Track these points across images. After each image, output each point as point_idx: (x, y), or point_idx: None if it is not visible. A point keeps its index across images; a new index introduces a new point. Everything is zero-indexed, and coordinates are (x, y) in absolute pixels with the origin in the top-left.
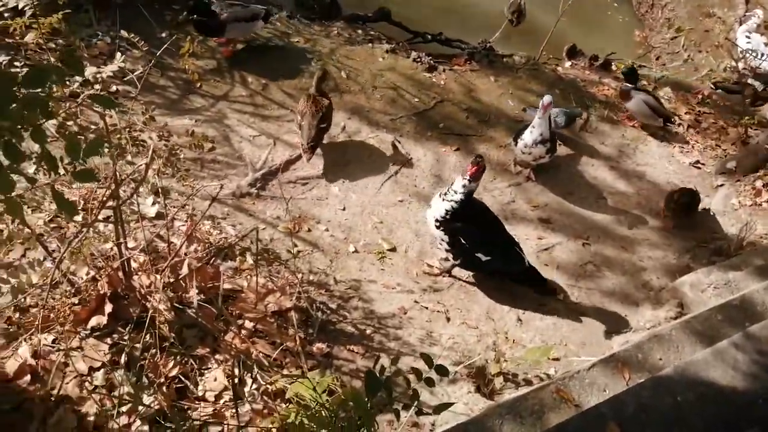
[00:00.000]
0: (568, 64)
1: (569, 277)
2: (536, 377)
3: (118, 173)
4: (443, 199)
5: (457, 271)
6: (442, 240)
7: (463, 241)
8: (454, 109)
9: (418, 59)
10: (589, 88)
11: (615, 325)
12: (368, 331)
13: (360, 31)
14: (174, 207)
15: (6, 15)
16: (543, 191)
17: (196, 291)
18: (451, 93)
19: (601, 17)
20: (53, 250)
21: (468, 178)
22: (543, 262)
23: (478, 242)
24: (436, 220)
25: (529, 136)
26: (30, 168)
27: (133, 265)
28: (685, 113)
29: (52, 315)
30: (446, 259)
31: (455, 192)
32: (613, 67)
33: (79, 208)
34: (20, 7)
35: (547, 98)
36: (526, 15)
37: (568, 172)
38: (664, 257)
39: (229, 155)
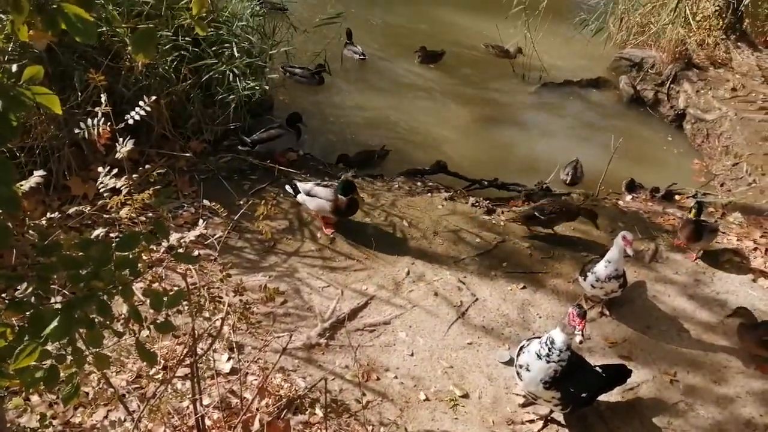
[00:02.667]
0: (628, 197)
1: (661, 418)
2: None
3: (195, 330)
4: (547, 361)
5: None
6: (553, 397)
7: (572, 391)
8: (517, 247)
9: (477, 203)
10: (654, 219)
11: None
12: None
13: (419, 183)
14: (247, 361)
15: (105, 195)
16: (619, 326)
17: None
18: (512, 232)
19: (656, 152)
20: (133, 411)
21: (578, 331)
22: (629, 404)
23: (585, 385)
24: (545, 383)
25: (603, 271)
26: (117, 326)
27: (207, 422)
28: (761, 236)
29: None
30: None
31: (559, 351)
32: (676, 198)
33: (159, 366)
34: (118, 186)
35: (628, 234)
36: (583, 175)
37: (643, 304)
38: (764, 389)
39: (300, 307)
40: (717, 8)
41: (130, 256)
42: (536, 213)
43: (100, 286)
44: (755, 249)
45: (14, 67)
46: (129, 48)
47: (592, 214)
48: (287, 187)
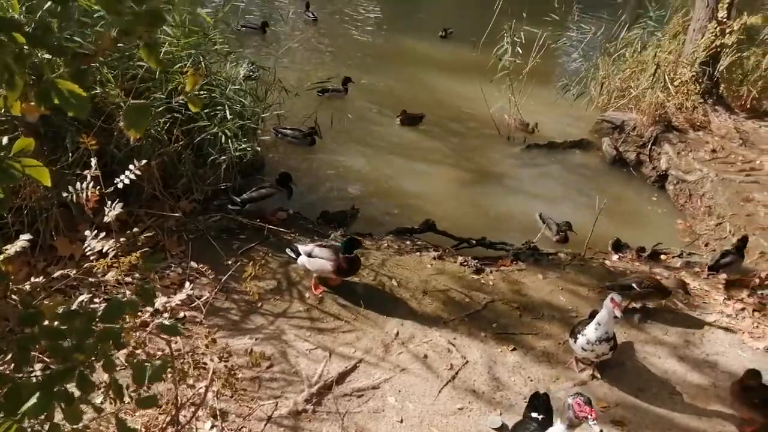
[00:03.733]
0: (615, 257)
1: None
2: None
3: (179, 398)
4: None
5: None
6: None
7: None
8: (506, 308)
9: (465, 263)
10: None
11: None
12: None
13: (408, 242)
14: (231, 430)
15: (92, 258)
16: (611, 389)
17: None
18: (501, 292)
19: (640, 212)
20: None
21: (593, 422)
22: None
23: None
24: None
25: (593, 333)
26: (98, 398)
27: None
28: (748, 296)
29: None
30: None
31: None
32: (662, 257)
33: None
34: (105, 250)
35: (616, 297)
36: (569, 233)
37: (634, 366)
38: None
39: (286, 371)
40: (694, 74)
41: (115, 327)
42: (634, 284)
43: (82, 358)
44: (743, 309)
45: (5, 140)
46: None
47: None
48: (288, 250)
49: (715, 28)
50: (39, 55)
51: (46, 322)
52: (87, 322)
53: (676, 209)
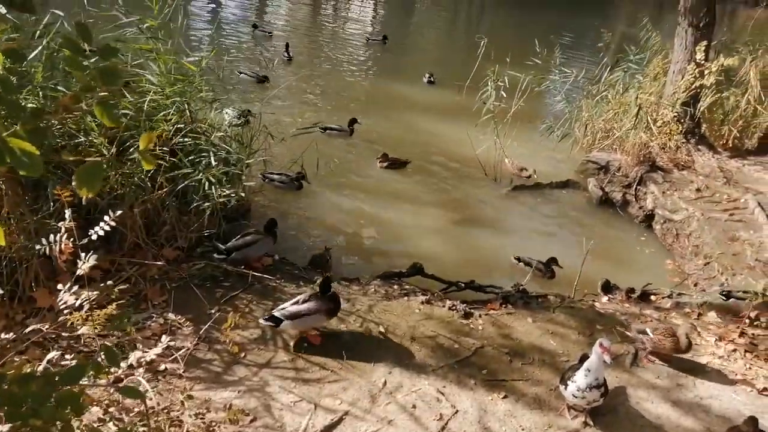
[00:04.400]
0: (604, 299)
1: None
2: None
3: None
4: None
5: None
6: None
7: None
8: (496, 354)
9: (454, 307)
10: (631, 320)
11: None
12: None
13: (396, 287)
14: None
15: (66, 312)
16: None
17: None
18: (490, 337)
19: (628, 252)
20: None
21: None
22: None
23: None
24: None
25: (583, 380)
26: None
27: None
28: (739, 336)
29: None
30: None
31: None
32: (652, 298)
33: None
34: (79, 303)
35: (605, 341)
36: (553, 275)
37: (627, 412)
38: None
39: (270, 426)
40: (675, 114)
41: (74, 391)
42: (648, 330)
43: (39, 424)
44: (734, 350)
45: None
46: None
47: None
48: (261, 321)
49: (694, 69)
50: None
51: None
52: (44, 386)
53: (664, 249)
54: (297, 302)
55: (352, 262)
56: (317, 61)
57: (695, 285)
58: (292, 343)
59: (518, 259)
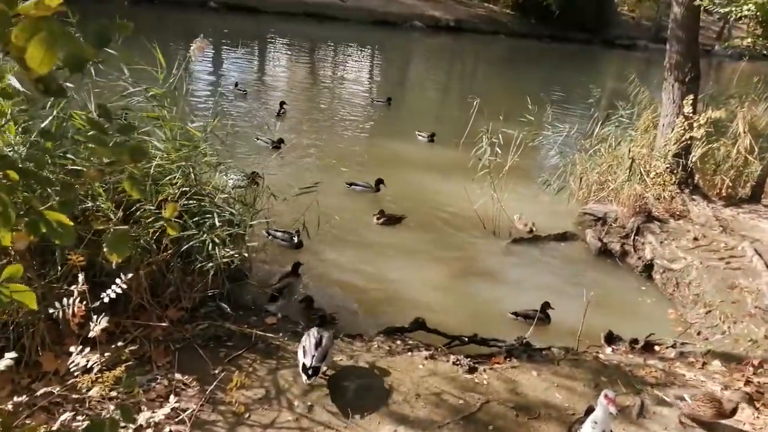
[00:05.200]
0: (608, 350)
1: None
2: None
3: None
4: None
5: None
6: None
7: None
8: (502, 409)
9: (458, 362)
10: (636, 371)
11: None
12: None
13: (399, 342)
14: None
15: (76, 374)
16: None
17: None
18: (495, 392)
19: (630, 302)
20: None
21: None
22: None
23: None
24: None
25: None
26: None
27: None
28: (745, 385)
29: None
30: None
31: None
32: (656, 348)
33: None
34: (89, 365)
35: (610, 392)
36: (548, 320)
37: None
38: None
39: None
40: (668, 165)
41: None
42: (686, 396)
43: None
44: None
45: None
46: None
47: None
48: (306, 381)
49: (683, 122)
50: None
51: None
52: None
53: (666, 298)
54: (317, 344)
55: (354, 318)
56: (316, 120)
57: (698, 334)
58: (296, 403)
59: (516, 314)
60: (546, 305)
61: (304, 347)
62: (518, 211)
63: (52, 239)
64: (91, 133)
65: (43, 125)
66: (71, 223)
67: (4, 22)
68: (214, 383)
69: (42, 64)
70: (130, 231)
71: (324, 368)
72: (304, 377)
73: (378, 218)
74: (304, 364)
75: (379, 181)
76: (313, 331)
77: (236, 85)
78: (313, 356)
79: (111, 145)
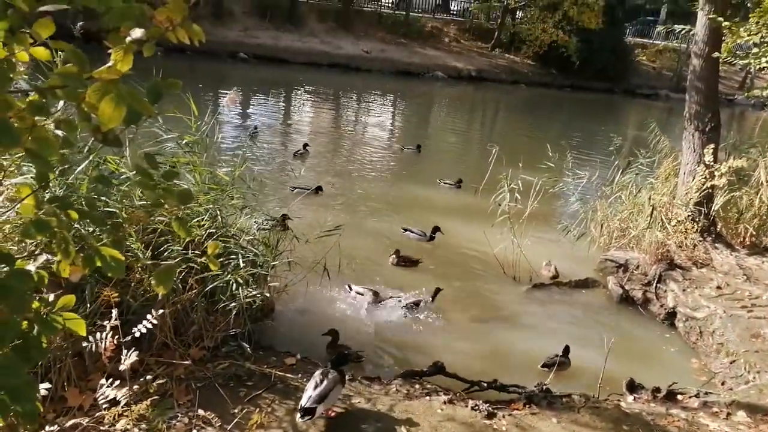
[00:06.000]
0: (630, 398)
1: None
2: None
3: None
4: None
5: None
6: None
7: None
8: None
9: (476, 407)
10: (659, 421)
11: None
12: None
13: (417, 386)
14: None
15: (103, 407)
16: None
17: None
18: None
19: (652, 350)
20: None
21: None
22: None
23: None
24: None
25: None
26: None
27: None
28: None
29: None
30: None
31: None
32: (679, 398)
33: None
34: (118, 397)
35: None
36: (569, 363)
37: None
38: None
39: None
40: (689, 213)
41: None
42: None
43: None
44: None
45: (51, 297)
46: (151, 279)
47: None
48: (299, 420)
49: (704, 171)
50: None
51: None
52: None
53: (688, 347)
54: (316, 386)
55: (371, 361)
56: (338, 164)
57: (722, 384)
58: None
59: (546, 366)
60: (567, 350)
61: (306, 388)
62: (538, 256)
63: (105, 272)
64: (138, 178)
65: (78, 168)
66: (122, 258)
67: (78, 84)
68: (234, 421)
69: (111, 120)
70: (176, 266)
71: (321, 410)
72: (297, 416)
73: (394, 259)
74: (300, 405)
75: (436, 229)
76: (317, 373)
77: (255, 128)
78: (310, 397)
79: (158, 189)
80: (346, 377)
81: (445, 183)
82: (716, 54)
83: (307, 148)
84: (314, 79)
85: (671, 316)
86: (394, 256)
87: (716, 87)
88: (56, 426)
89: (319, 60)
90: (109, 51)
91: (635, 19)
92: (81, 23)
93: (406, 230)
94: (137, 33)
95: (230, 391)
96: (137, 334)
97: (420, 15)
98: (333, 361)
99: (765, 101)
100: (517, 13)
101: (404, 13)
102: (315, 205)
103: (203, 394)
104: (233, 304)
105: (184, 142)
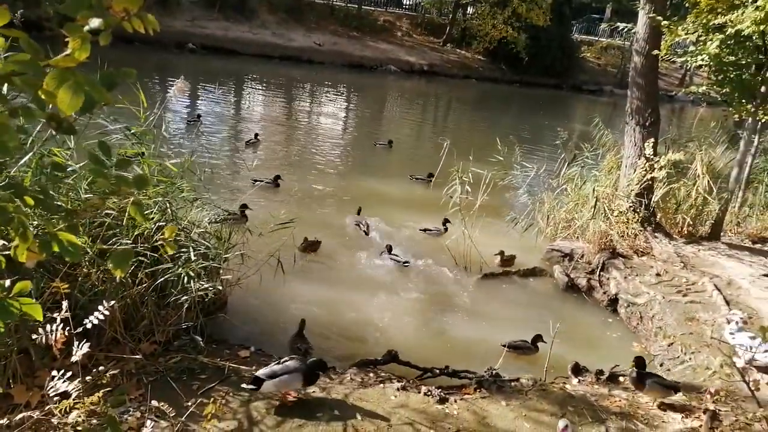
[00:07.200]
0: (575, 381)
1: None
2: None
3: None
4: None
5: None
6: None
7: None
8: None
9: (429, 393)
10: (601, 401)
11: None
12: None
13: (372, 375)
14: None
15: (55, 399)
16: None
17: None
18: (465, 422)
19: (596, 335)
20: None
21: None
22: None
23: None
24: None
25: None
26: None
27: None
28: (703, 413)
29: None
30: None
31: None
32: (621, 380)
33: None
34: (70, 390)
35: (561, 422)
36: (536, 350)
37: None
38: None
39: None
40: (630, 204)
41: None
42: None
43: None
44: (700, 426)
45: (8, 282)
46: (98, 273)
47: None
48: (245, 385)
49: (645, 164)
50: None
51: None
52: None
53: (630, 331)
54: (277, 364)
55: (327, 351)
56: (291, 155)
57: (661, 365)
58: None
59: (508, 346)
60: (538, 338)
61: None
62: (488, 246)
63: (63, 257)
64: (92, 166)
65: (23, 159)
66: (80, 243)
67: (37, 71)
68: (186, 414)
69: (69, 107)
70: (133, 249)
71: (271, 388)
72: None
73: (302, 243)
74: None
75: (445, 221)
76: (289, 357)
77: (198, 116)
78: (264, 372)
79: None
80: (317, 380)
81: (417, 178)
82: (656, 51)
83: (258, 137)
84: (266, 70)
85: (614, 302)
86: (303, 243)
87: (656, 83)
88: (6, 420)
89: (270, 52)
90: (66, 39)
91: (582, 16)
92: (21, 11)
93: (424, 230)
94: (95, 22)
95: (183, 384)
96: (89, 326)
97: (372, 8)
98: (310, 365)
99: (702, 98)
100: (468, 8)
101: (356, 6)
102: (268, 198)
103: (155, 388)
104: (185, 297)
105: (131, 132)
